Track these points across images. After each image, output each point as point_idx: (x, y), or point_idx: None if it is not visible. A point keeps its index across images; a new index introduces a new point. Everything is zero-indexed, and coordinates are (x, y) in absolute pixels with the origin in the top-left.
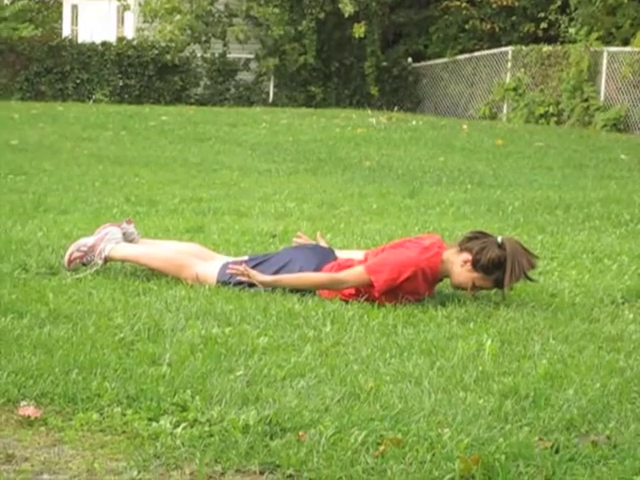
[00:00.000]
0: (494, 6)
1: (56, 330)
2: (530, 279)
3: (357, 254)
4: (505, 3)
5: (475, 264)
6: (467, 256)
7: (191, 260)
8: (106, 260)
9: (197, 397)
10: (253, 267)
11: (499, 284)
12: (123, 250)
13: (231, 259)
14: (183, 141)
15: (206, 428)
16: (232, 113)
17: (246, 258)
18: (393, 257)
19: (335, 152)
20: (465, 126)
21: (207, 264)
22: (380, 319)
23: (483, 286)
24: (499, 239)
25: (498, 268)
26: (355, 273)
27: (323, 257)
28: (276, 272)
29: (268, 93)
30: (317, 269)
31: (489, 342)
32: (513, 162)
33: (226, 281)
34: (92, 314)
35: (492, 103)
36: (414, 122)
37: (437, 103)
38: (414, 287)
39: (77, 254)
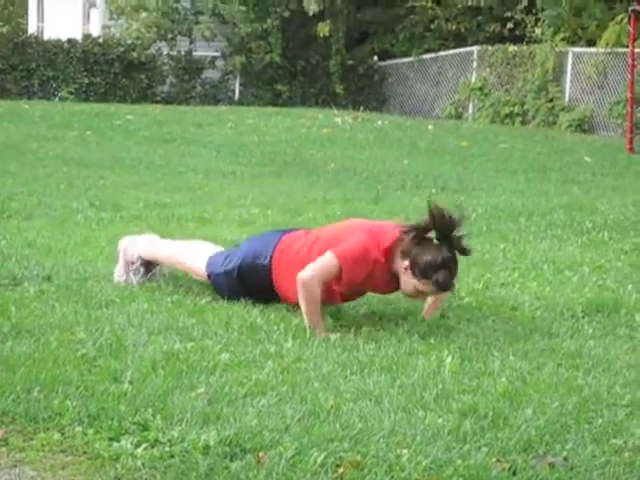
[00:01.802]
0: (460, 6)
1: (18, 346)
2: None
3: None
4: (471, 3)
5: (413, 270)
6: (406, 263)
7: (188, 255)
8: (144, 260)
9: (158, 416)
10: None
11: (442, 288)
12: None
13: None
14: (149, 142)
15: (167, 449)
16: (198, 112)
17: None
18: (354, 244)
19: (300, 154)
20: (430, 126)
21: (195, 258)
22: (341, 334)
23: (427, 292)
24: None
25: (435, 270)
26: (325, 260)
27: (271, 239)
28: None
29: (234, 91)
30: (270, 252)
31: (449, 359)
32: (477, 165)
33: (214, 273)
34: (55, 328)
35: (458, 102)
36: (379, 122)
37: (403, 102)
38: (374, 282)
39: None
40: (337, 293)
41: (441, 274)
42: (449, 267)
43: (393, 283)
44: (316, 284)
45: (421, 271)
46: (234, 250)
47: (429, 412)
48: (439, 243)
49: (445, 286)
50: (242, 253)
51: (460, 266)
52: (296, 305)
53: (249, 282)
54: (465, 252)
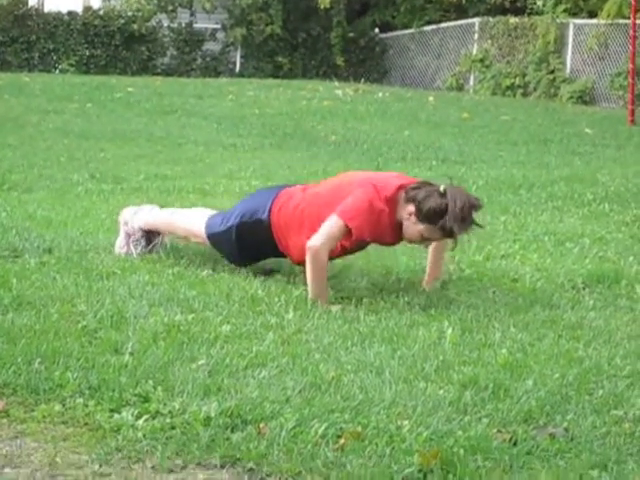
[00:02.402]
0: None
1: (19, 318)
2: (477, 224)
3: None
4: None
5: (418, 214)
6: (411, 208)
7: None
8: (145, 231)
9: (159, 388)
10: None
11: (447, 233)
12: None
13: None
14: (149, 114)
15: (168, 420)
16: (198, 84)
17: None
18: (358, 201)
19: (301, 126)
20: (431, 98)
21: (194, 221)
22: (343, 305)
23: (432, 237)
24: (442, 187)
25: (441, 216)
26: (332, 226)
27: (268, 195)
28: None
29: (235, 63)
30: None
31: (450, 330)
32: (478, 137)
33: (213, 234)
34: (55, 300)
35: (459, 74)
36: (380, 94)
37: (404, 74)
38: (380, 233)
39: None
40: (340, 248)
41: (448, 219)
42: (457, 214)
43: (398, 233)
44: (325, 253)
45: (427, 217)
46: (231, 209)
47: (430, 383)
48: (444, 190)
49: (451, 231)
50: (239, 211)
51: (460, 239)
52: (300, 263)
53: (248, 239)
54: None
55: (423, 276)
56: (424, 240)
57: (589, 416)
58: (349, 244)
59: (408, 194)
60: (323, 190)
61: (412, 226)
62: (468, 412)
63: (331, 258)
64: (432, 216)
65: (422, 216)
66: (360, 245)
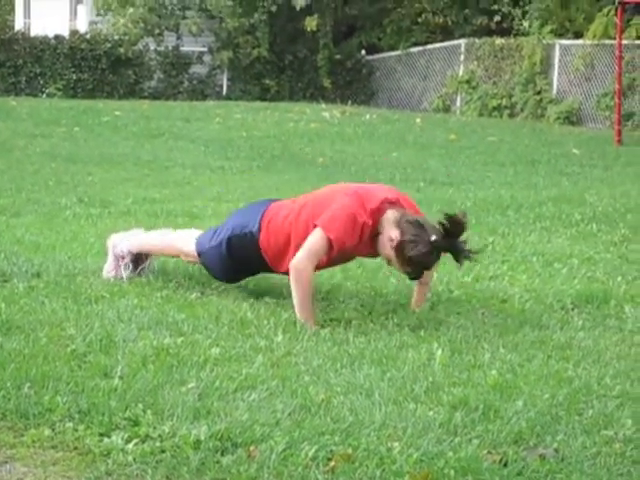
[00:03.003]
0: None
1: (8, 342)
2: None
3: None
4: None
5: (398, 249)
6: (397, 235)
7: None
8: (134, 254)
9: (149, 411)
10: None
11: (412, 275)
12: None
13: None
14: (136, 137)
15: (158, 444)
16: (185, 107)
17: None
18: (340, 210)
19: (288, 148)
20: (418, 120)
21: (184, 239)
22: (332, 327)
23: (396, 268)
24: (433, 237)
25: (416, 265)
26: (315, 241)
27: (258, 208)
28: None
29: (222, 86)
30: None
31: (439, 351)
32: (466, 158)
33: (204, 251)
34: (44, 324)
35: (445, 96)
36: (367, 116)
37: (391, 96)
38: (356, 246)
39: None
40: (325, 259)
41: (417, 264)
42: (427, 261)
43: (376, 245)
44: (310, 269)
45: (404, 257)
46: (222, 224)
47: (420, 405)
48: (436, 229)
49: (415, 277)
50: (229, 225)
51: (449, 261)
52: (285, 274)
53: (239, 254)
54: (468, 256)
55: (411, 297)
56: (389, 263)
57: (579, 436)
58: (333, 254)
59: (401, 223)
60: (311, 201)
61: (387, 248)
62: (458, 433)
63: (318, 268)
64: (408, 260)
65: (399, 253)
66: (344, 256)
